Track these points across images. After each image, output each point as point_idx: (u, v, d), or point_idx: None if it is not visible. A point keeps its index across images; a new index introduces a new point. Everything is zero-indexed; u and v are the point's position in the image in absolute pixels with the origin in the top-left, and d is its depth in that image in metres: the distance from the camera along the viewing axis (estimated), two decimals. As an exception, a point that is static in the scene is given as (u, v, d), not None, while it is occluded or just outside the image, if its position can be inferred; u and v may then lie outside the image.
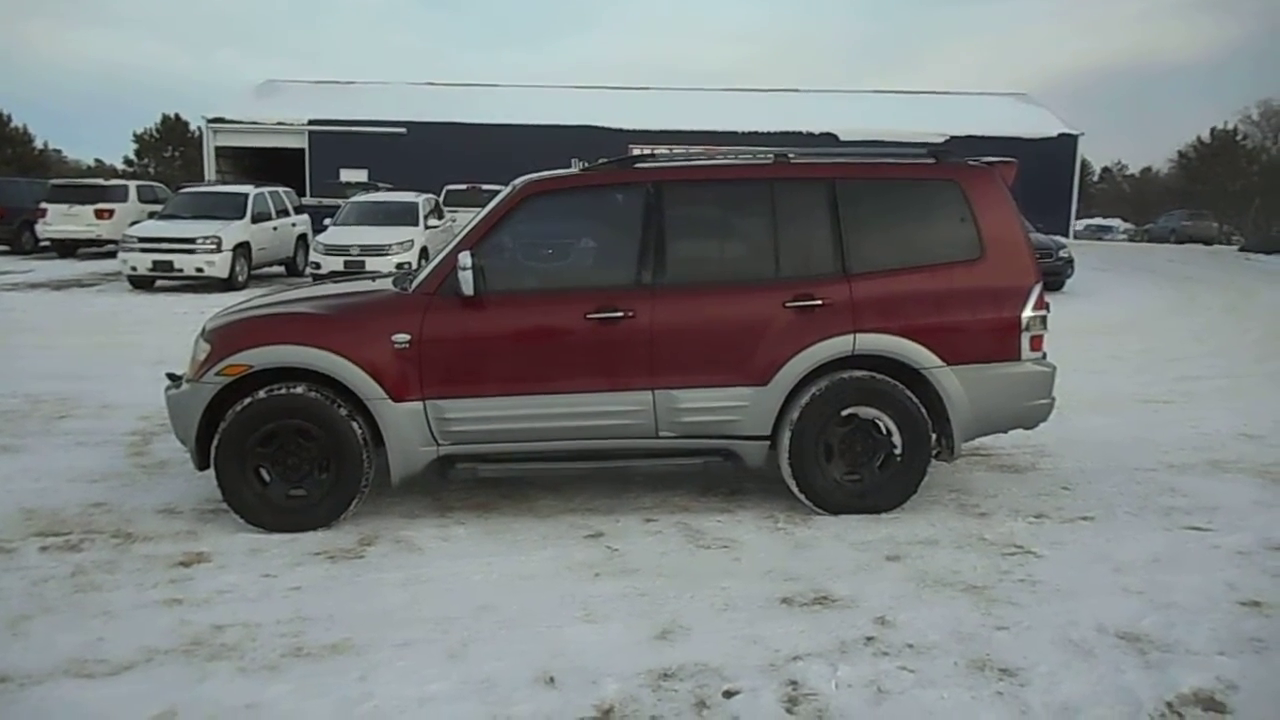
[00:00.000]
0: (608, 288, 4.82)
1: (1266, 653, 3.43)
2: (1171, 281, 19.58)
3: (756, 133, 34.11)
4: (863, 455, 4.88)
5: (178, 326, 10.72)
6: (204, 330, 4.98)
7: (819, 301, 4.78)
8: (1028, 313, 4.89)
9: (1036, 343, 4.94)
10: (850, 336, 4.77)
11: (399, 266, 14.36)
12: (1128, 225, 49.92)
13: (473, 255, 4.62)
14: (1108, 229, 47.78)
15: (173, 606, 3.79)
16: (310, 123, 32.74)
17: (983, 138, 33.48)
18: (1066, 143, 34.50)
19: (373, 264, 15.32)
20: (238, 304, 5.53)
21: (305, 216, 19.10)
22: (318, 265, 15.59)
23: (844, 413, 4.80)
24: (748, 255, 4.98)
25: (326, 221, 17.08)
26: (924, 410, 4.81)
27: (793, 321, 4.77)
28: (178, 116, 55.54)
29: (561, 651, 3.41)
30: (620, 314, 4.70)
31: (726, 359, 4.77)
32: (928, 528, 4.70)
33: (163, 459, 5.85)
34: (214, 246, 15.43)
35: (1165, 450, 6.09)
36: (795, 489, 4.86)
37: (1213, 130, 51.62)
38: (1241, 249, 25.19)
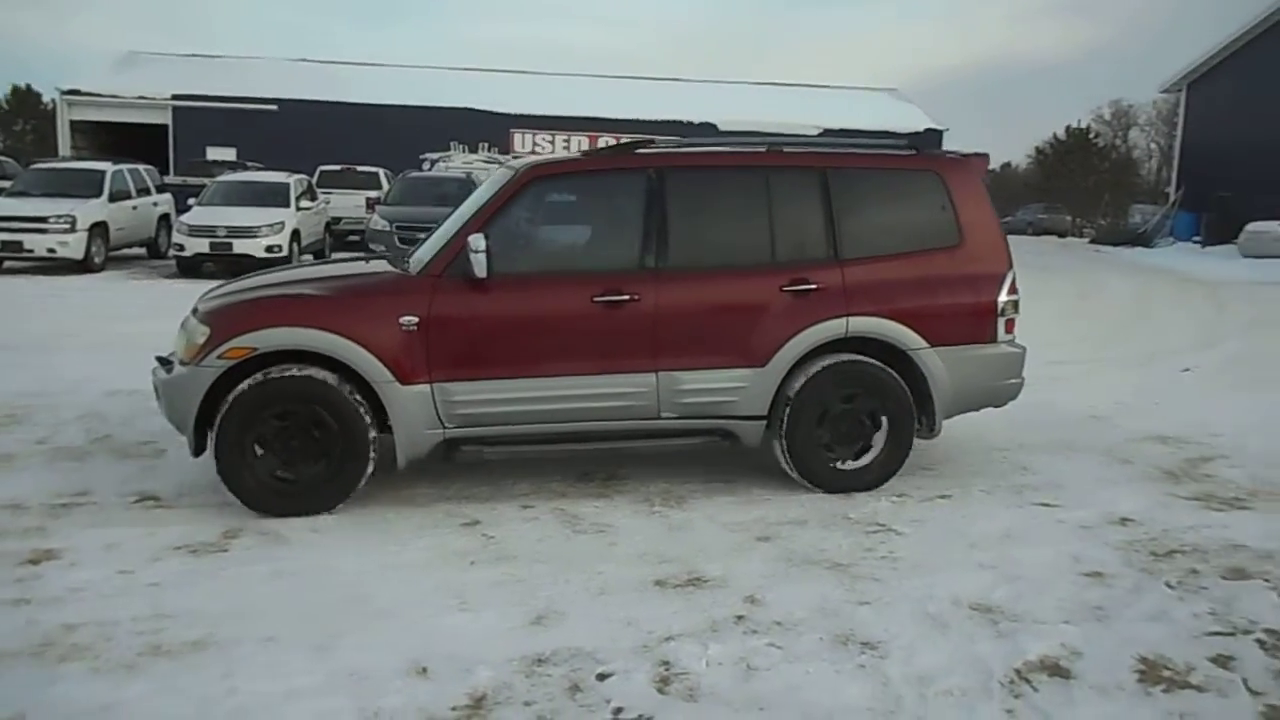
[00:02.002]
0: (613, 271, 4.89)
1: (1108, 620, 3.67)
2: (1029, 271, 20.54)
3: (638, 120, 34.15)
4: (852, 434, 5.07)
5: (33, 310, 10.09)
6: (197, 312, 4.82)
7: (814, 286, 4.96)
8: (1003, 297, 5.20)
9: (1009, 326, 5.26)
10: (844, 320, 4.97)
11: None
12: (989, 217, 52.08)
13: (486, 238, 4.61)
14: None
15: (20, 606, 3.59)
16: (174, 97, 31.11)
17: (856, 130, 34.53)
18: (932, 138, 35.78)
19: (241, 246, 14.75)
20: (229, 285, 5.35)
21: (168, 196, 18.22)
22: (181, 247, 14.91)
23: (838, 394, 5.00)
24: (746, 240, 5.06)
25: (191, 201, 16.33)
26: (909, 390, 5.03)
27: (789, 305, 4.94)
28: (29, 87, 51.95)
29: (435, 641, 3.37)
30: (626, 297, 4.79)
31: (727, 341, 4.91)
32: (797, 508, 4.84)
33: (8, 451, 5.51)
34: (68, 226, 14.60)
35: (1020, 431, 6.41)
36: (790, 468, 5.04)
37: (1068, 128, 54.48)
38: (1092, 241, 26.75)
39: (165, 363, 4.89)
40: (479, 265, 4.59)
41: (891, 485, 5.19)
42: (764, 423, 5.01)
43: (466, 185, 16.65)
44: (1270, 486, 5.36)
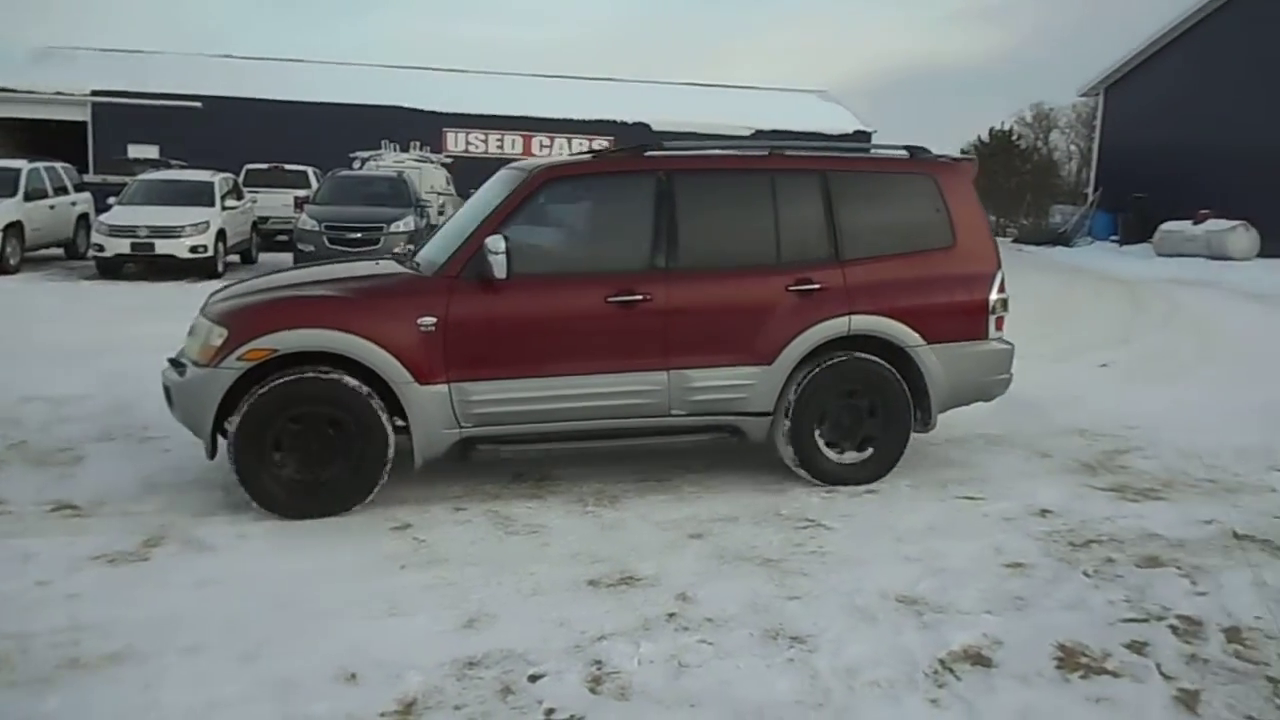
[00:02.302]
0: (625, 272, 4.97)
1: (1028, 609, 3.78)
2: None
3: (572, 120, 34.20)
4: (853, 429, 5.24)
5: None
6: (210, 313, 4.79)
7: (817, 286, 5.11)
8: (994, 296, 5.41)
9: (999, 323, 5.48)
10: (846, 318, 5.12)
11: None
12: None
13: (506, 240, 4.66)
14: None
15: (-74, 622, 3.46)
16: (94, 93, 30.10)
17: (787, 131, 34.88)
18: (861, 139, 36.39)
19: (163, 247, 14.35)
20: (238, 285, 5.33)
21: (87, 195, 17.64)
22: (100, 248, 14.45)
23: (840, 390, 5.17)
24: (752, 241, 5.17)
25: (111, 200, 15.83)
26: (906, 386, 5.21)
27: (795, 304, 5.08)
28: (-66, 82, 49.84)
29: (364, 647, 3.33)
30: (639, 297, 4.88)
31: (735, 340, 5.03)
32: (729, 506, 4.89)
33: (-87, 461, 5.29)
34: (-21, 227, 14.04)
35: (944, 426, 6.53)
36: (794, 463, 5.17)
37: (991, 130, 55.81)
38: (1015, 241, 27.45)
39: (177, 364, 4.81)
40: (499, 266, 4.65)
41: (822, 481, 5.28)
42: (770, 418, 5.14)
43: (398, 184, 16.45)
44: (1183, 477, 5.57)
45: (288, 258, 15.18)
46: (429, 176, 20.17)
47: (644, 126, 34.34)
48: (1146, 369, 9.02)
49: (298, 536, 4.38)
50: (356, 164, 20.53)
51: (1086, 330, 11.53)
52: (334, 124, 29.31)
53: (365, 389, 4.57)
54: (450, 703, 3.00)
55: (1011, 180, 50.08)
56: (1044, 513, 4.88)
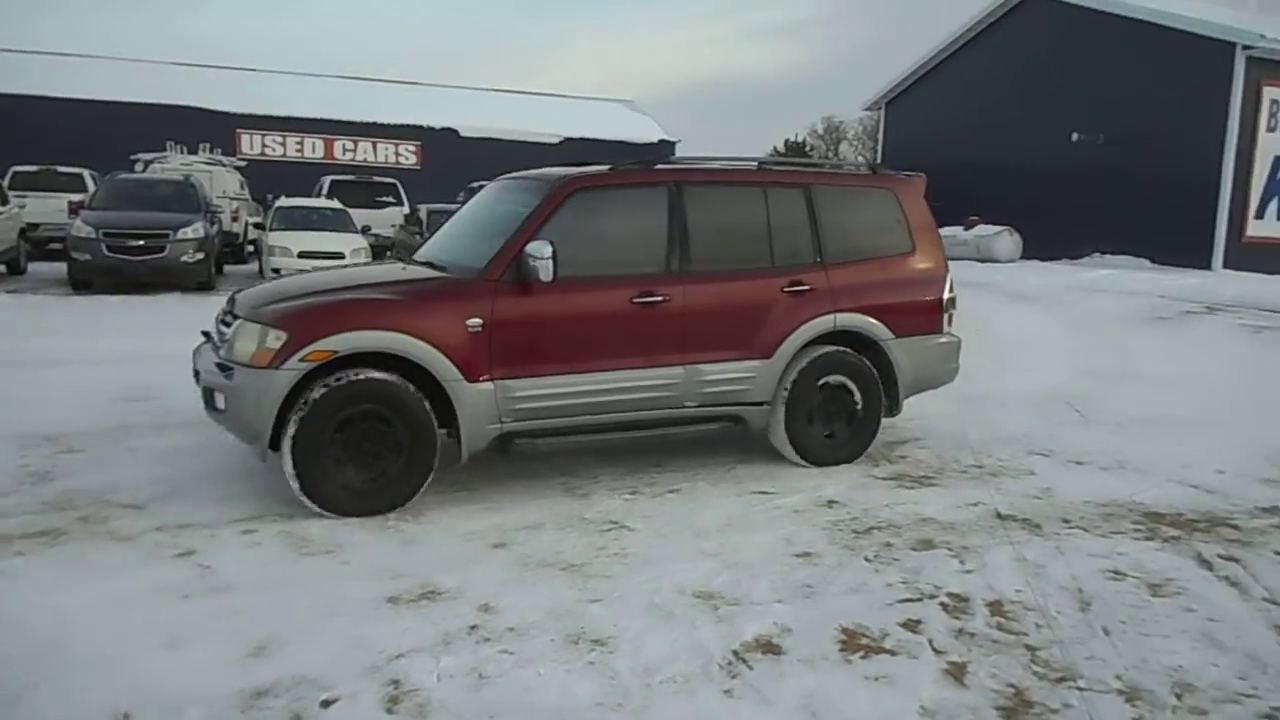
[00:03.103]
0: (646, 275, 5.37)
1: (815, 596, 3.98)
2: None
3: (376, 123, 33.28)
4: (836, 415, 5.85)
5: None
6: (260, 317, 4.81)
7: (808, 287, 5.70)
8: (946, 295, 6.17)
9: (950, 320, 6.22)
10: (831, 316, 5.75)
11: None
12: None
13: (551, 245, 4.94)
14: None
15: None
16: None
17: (594, 140, 35.36)
18: (666, 148, 37.30)
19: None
20: (265, 289, 5.47)
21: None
22: None
23: (823, 380, 5.78)
24: (751, 247, 5.69)
25: None
26: (879, 376, 5.87)
27: (789, 304, 5.65)
28: None
29: (140, 684, 3.12)
30: (659, 298, 5.31)
31: (741, 336, 5.55)
32: (535, 513, 4.90)
33: None
34: None
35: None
36: (788, 448, 5.76)
37: (786, 142, 58.49)
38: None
39: (227, 369, 4.78)
40: (545, 270, 4.93)
41: (624, 483, 5.40)
42: (768, 407, 5.66)
43: (185, 188, 15.48)
44: (954, 464, 6.03)
45: (62, 267, 14.04)
46: (220, 180, 19.11)
47: (452, 132, 33.91)
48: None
49: (65, 570, 4.04)
50: (139, 167, 19.17)
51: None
52: (115, 124, 27.36)
53: (414, 388, 4.75)
54: (235, 736, 2.86)
55: (808, 188, 52.61)
56: (831, 503, 5.16)
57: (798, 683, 3.26)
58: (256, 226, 19.04)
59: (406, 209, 20.06)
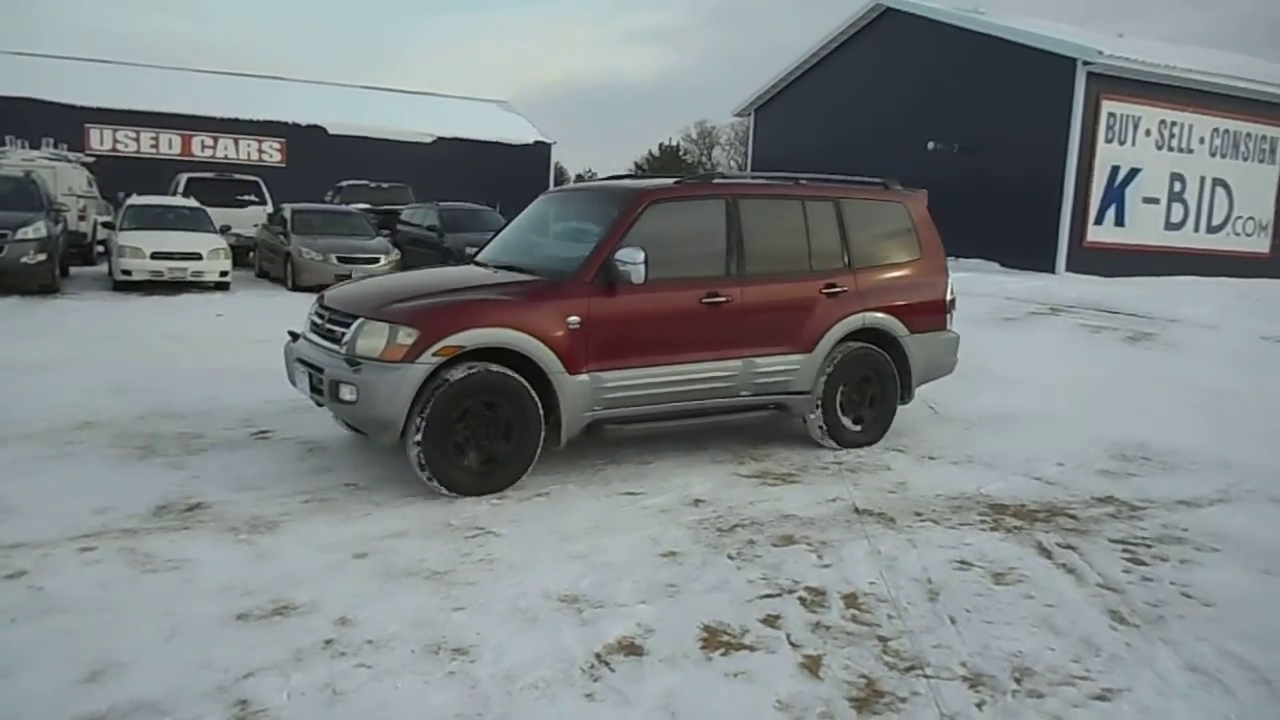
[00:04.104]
0: (710, 278, 5.97)
1: (679, 595, 4.02)
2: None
3: (238, 119, 31.98)
4: (861, 404, 6.57)
5: None
6: (387, 316, 5.23)
7: (841, 289, 6.41)
8: (949, 296, 6.96)
9: (951, 318, 6.99)
10: (861, 315, 6.48)
11: None
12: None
13: (644, 251, 5.47)
14: (584, 229, 52.19)
15: None
16: None
17: (468, 140, 34.93)
18: (541, 149, 37.14)
19: None
20: (369, 289, 5.95)
21: None
22: None
23: (853, 373, 6.48)
24: (794, 253, 6.38)
25: None
26: (896, 369, 6.60)
27: (827, 304, 6.36)
28: None
29: (-43, 718, 2.90)
30: (723, 298, 5.92)
31: (788, 332, 6.22)
32: (399, 521, 4.79)
33: None
34: None
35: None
36: (822, 433, 6.44)
37: (661, 145, 59.13)
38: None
39: (355, 364, 5.14)
40: (637, 274, 5.46)
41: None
42: (808, 396, 6.30)
43: (25, 185, 14.51)
44: (816, 462, 6.20)
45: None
46: (66, 177, 17.99)
47: (319, 129, 32.92)
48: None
49: (-126, 599, 3.72)
50: (-26, 163, 17.85)
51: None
52: (-57, 116, 25.43)
53: (523, 379, 5.22)
54: (64, 768, 2.69)
55: (683, 192, 53.19)
56: (697, 502, 5.23)
57: (658, 683, 3.28)
58: (106, 226, 17.99)
59: (270, 208, 19.32)
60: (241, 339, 10.22)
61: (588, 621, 3.73)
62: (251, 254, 18.29)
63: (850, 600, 4.03)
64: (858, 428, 6.57)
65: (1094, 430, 7.26)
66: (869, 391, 6.59)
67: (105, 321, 11.32)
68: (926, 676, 3.39)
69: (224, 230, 16.21)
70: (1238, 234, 19.98)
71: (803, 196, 6.53)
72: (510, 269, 6.06)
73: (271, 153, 32.64)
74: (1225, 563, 4.62)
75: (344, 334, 5.32)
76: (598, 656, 3.45)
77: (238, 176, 21.25)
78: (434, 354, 5.06)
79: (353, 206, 19.97)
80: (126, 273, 14.18)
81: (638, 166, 60.57)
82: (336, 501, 5.06)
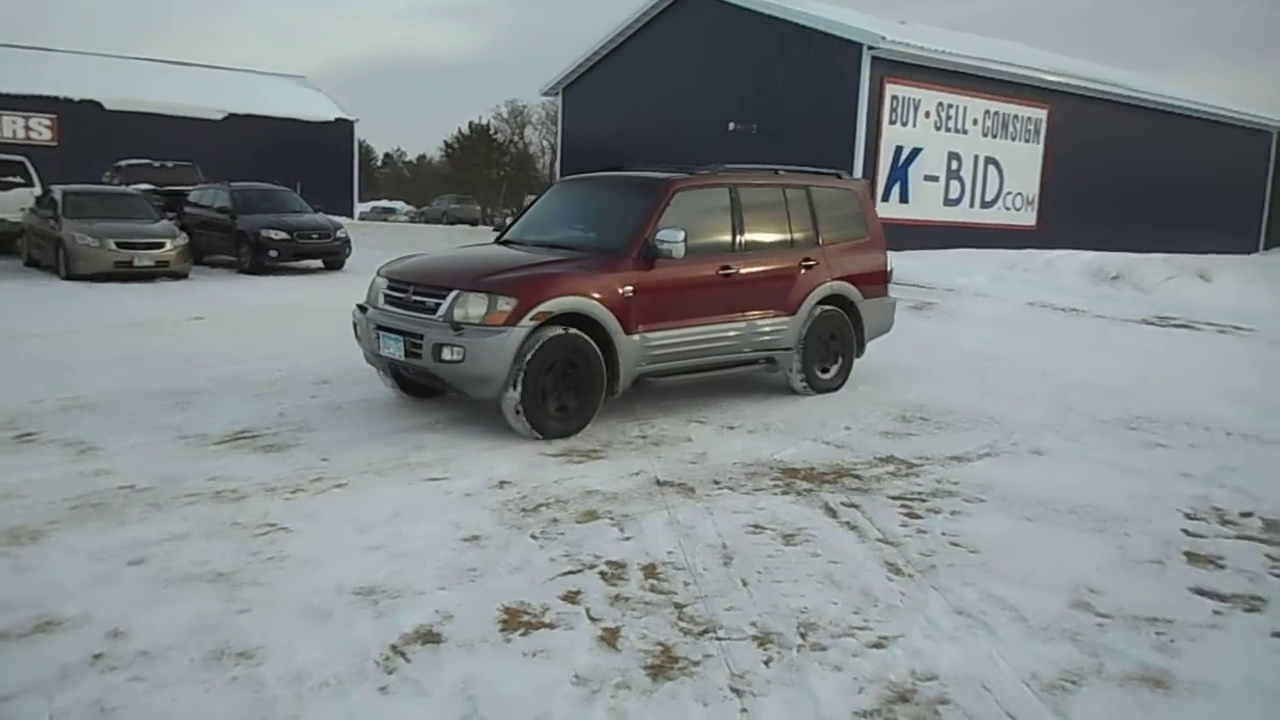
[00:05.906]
0: (722, 252, 7.10)
1: (480, 579, 3.99)
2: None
3: (2, 94, 29.07)
4: (828, 357, 7.86)
5: None
6: (484, 286, 6.05)
7: (814, 262, 7.64)
8: (889, 267, 8.42)
9: (889, 286, 8.44)
10: (829, 284, 7.74)
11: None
12: (409, 208, 53.72)
13: (684, 231, 6.50)
14: (392, 211, 50.85)
15: None
16: None
17: (263, 117, 33.19)
18: (344, 127, 35.76)
19: None
20: (449, 264, 6.80)
21: None
22: None
23: (824, 331, 7.75)
24: (779, 232, 7.57)
25: None
26: (854, 328, 7.95)
27: (805, 275, 7.58)
28: None
29: None
30: (732, 270, 7.06)
31: (778, 298, 7.39)
32: (179, 523, 4.52)
33: None
34: None
35: (412, 413, 6.70)
36: (800, 382, 7.66)
37: (471, 124, 58.14)
38: (496, 229, 29.12)
39: (458, 327, 5.92)
40: (678, 250, 6.46)
41: (286, 481, 5.12)
42: (791, 351, 7.48)
43: None
44: (621, 437, 6.30)
45: None
46: None
47: (95, 105, 30.46)
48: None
49: None
50: None
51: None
52: None
53: (590, 340, 6.16)
54: None
55: (493, 171, 52.65)
56: (502, 484, 5.21)
57: (456, 669, 3.25)
58: None
59: (39, 190, 17.67)
60: (3, 334, 9.33)
61: (384, 613, 3.64)
62: (18, 241, 16.73)
63: (649, 571, 4.12)
64: (827, 376, 7.82)
65: (877, 394, 7.75)
66: (833, 348, 7.85)
67: None
68: (719, 639, 3.52)
69: (-18, 215, 14.72)
70: (1008, 208, 21.68)
71: (783, 185, 7.76)
72: (554, 248, 6.90)
73: (41, 130, 29.96)
74: (991, 512, 5.03)
75: (437, 304, 6.06)
76: (393, 648, 3.38)
77: (1, 156, 19.31)
78: (531, 318, 5.90)
79: (134, 188, 18.57)
80: None
81: (448, 146, 59.29)
82: (110, 506, 4.72)
